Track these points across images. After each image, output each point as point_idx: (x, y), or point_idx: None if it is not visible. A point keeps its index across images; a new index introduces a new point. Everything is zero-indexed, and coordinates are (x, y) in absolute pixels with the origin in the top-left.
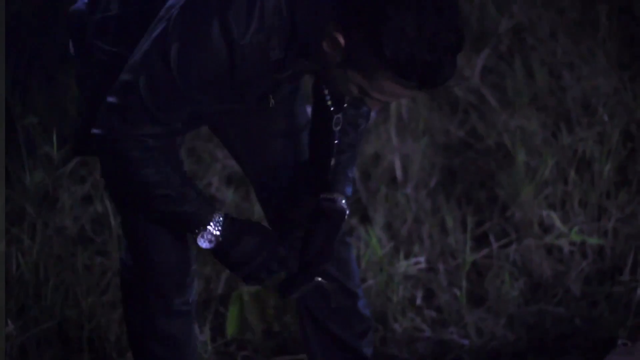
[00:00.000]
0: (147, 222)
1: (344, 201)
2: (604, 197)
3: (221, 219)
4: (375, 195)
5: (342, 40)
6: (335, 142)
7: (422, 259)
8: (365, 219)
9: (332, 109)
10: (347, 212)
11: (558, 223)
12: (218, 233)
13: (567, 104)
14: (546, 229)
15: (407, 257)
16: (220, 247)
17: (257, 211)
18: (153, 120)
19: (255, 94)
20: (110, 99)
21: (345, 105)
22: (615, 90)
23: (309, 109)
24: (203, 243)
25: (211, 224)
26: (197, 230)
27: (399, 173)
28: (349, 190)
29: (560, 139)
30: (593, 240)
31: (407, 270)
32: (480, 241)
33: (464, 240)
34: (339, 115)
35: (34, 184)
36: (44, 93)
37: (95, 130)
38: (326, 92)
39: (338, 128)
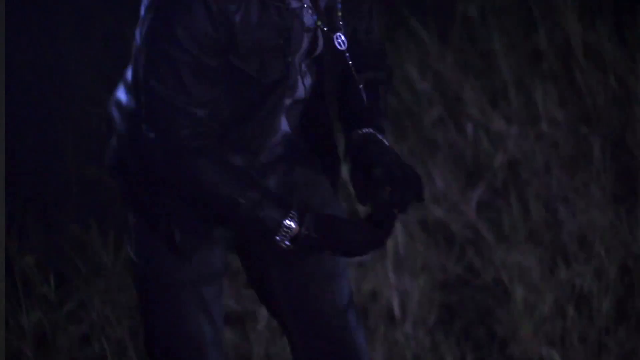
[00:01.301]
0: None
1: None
2: (604, 333)
3: (295, 214)
4: (374, 334)
5: None
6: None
7: None
8: None
9: (325, 29)
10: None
11: None
12: (297, 231)
13: (564, 238)
14: None
15: None
16: (304, 244)
17: (256, 352)
18: (183, 114)
19: (263, 39)
20: (144, 126)
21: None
22: (611, 224)
23: None
24: (283, 243)
25: (286, 222)
26: (274, 233)
27: (397, 311)
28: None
29: (558, 275)
30: None
31: None
32: None
33: None
34: (339, 34)
35: (32, 325)
36: (40, 232)
37: (141, 146)
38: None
39: (344, 48)
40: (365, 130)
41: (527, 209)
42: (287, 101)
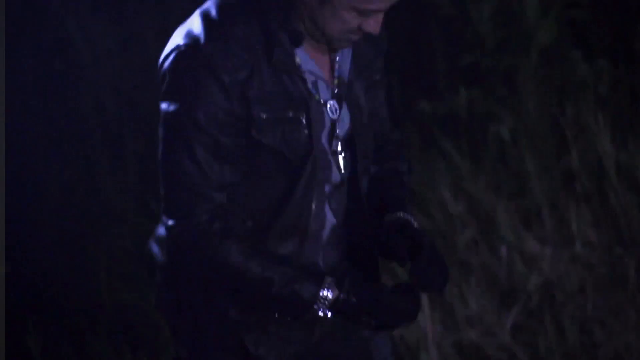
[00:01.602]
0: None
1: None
2: None
3: (331, 282)
4: None
5: None
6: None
7: None
8: None
9: (318, 96)
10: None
11: None
12: (336, 297)
13: None
14: None
15: None
16: (342, 309)
17: None
18: (201, 198)
19: (275, 94)
20: (163, 218)
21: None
22: None
23: None
24: (321, 312)
25: (322, 293)
26: (311, 303)
27: None
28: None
29: None
30: None
31: None
32: None
33: None
34: (332, 101)
35: None
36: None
37: (166, 240)
38: (309, 83)
39: (336, 116)
40: (401, 214)
41: (563, 331)
42: (327, 187)
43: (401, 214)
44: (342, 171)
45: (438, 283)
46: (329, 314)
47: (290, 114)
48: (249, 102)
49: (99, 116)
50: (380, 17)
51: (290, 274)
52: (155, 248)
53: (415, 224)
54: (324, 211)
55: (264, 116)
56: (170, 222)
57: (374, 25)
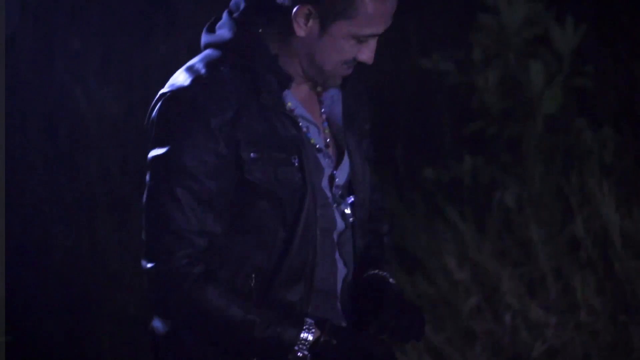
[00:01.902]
0: None
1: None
2: None
3: (312, 324)
4: None
5: (307, 7)
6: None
7: None
8: None
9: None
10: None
11: None
12: (317, 339)
13: None
14: None
15: None
16: (322, 351)
17: None
18: (182, 242)
19: (264, 135)
20: (143, 262)
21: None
22: None
23: None
24: (301, 353)
25: (303, 335)
26: (292, 346)
27: None
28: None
29: None
30: None
31: None
32: None
33: None
34: (328, 149)
35: None
36: None
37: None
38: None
39: (333, 163)
40: (378, 272)
41: None
42: (335, 236)
43: (378, 272)
44: (345, 219)
45: (410, 333)
46: (309, 356)
47: (282, 155)
48: (238, 144)
49: (104, 181)
50: (374, 44)
51: (271, 316)
52: (157, 323)
53: (391, 280)
54: (334, 260)
55: (253, 156)
56: (149, 265)
57: (368, 53)
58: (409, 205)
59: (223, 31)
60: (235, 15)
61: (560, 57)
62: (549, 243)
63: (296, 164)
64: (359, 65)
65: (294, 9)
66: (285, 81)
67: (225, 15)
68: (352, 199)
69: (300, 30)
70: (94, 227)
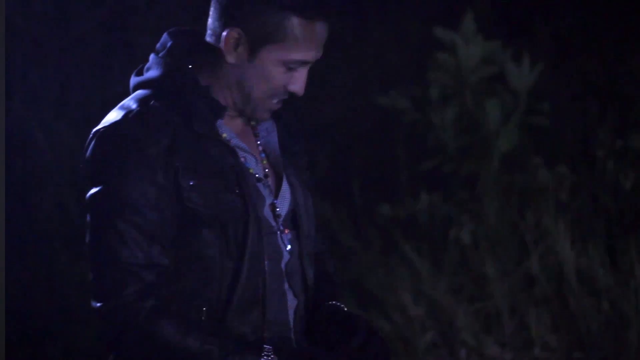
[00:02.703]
0: None
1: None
2: None
3: (270, 352)
4: None
5: (236, 31)
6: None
7: None
8: None
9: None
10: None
11: None
12: None
13: None
14: None
15: None
16: None
17: None
18: (129, 277)
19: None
20: (91, 303)
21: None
22: None
23: None
24: None
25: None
26: None
27: None
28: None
29: None
30: None
31: None
32: None
33: None
34: (268, 179)
35: None
36: None
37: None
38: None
39: (273, 193)
40: (334, 303)
41: None
42: (283, 265)
43: (334, 303)
44: (292, 249)
45: None
46: None
47: (222, 182)
48: (176, 172)
49: (60, 215)
50: (304, 74)
51: (229, 344)
52: None
53: (346, 309)
54: (284, 292)
55: (192, 183)
56: (99, 304)
57: (299, 83)
58: (365, 241)
59: (151, 71)
60: (161, 54)
61: (517, 96)
62: (504, 280)
63: (237, 191)
64: (296, 100)
65: (224, 34)
66: (218, 110)
67: (152, 56)
68: (296, 230)
69: (230, 56)
70: (51, 261)
